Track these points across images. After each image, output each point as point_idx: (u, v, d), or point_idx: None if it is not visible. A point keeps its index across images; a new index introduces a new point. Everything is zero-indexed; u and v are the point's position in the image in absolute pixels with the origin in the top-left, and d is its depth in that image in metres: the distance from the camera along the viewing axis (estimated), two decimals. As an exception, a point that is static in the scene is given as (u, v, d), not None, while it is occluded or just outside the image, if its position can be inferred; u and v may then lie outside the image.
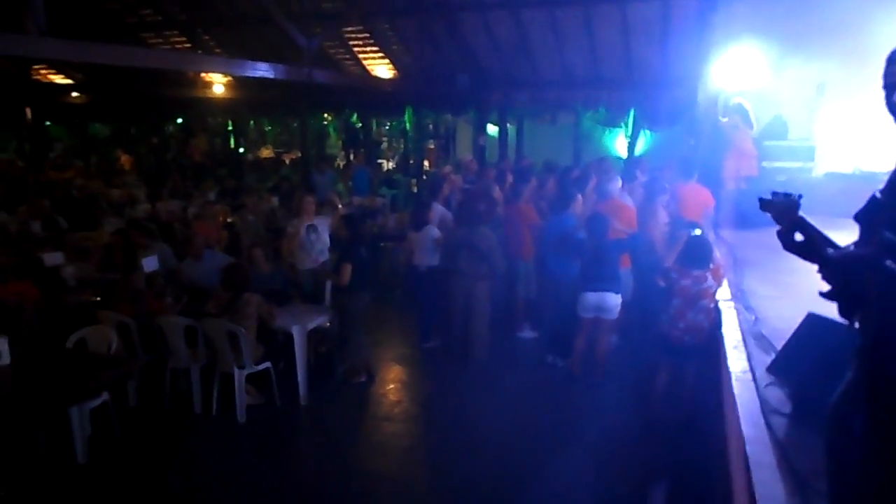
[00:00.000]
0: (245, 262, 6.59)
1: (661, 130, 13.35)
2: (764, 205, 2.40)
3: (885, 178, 2.02)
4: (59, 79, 18.03)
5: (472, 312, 6.64)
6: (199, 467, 5.02)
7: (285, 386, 5.93)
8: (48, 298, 6.27)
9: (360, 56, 15.16)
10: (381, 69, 15.31)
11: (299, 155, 16.32)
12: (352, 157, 16.83)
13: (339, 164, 16.65)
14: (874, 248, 1.79)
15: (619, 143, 14.44)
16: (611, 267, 6.05)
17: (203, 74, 15.21)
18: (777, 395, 3.21)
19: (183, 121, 20.50)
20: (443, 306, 7.02)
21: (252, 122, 20.31)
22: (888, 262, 1.38)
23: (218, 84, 15.68)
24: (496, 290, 6.95)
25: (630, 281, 6.75)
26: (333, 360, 6.59)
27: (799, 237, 2.30)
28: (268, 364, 5.79)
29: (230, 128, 19.94)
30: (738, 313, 4.55)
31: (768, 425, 2.87)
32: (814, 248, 2.21)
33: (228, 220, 9.28)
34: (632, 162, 11.22)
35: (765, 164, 8.25)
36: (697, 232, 5.35)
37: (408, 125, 16.59)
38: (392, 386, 6.53)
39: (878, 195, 2.05)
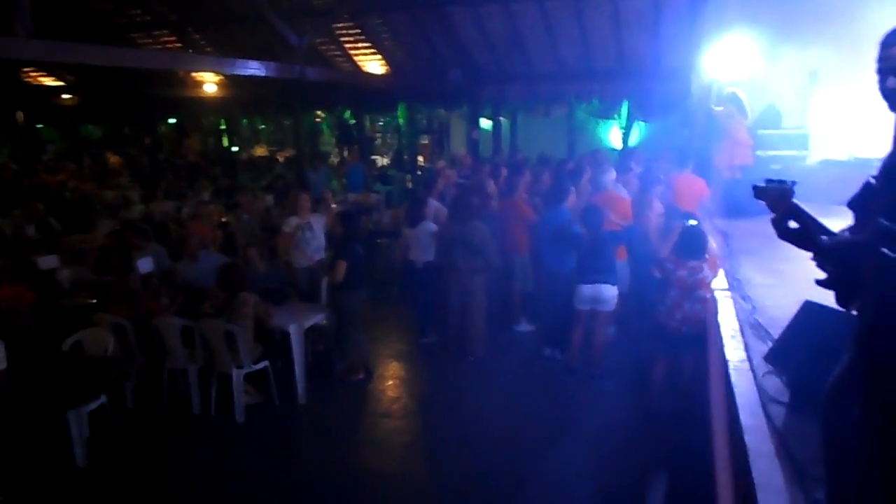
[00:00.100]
0: (241, 261, 6.57)
1: (655, 121, 13.34)
2: (758, 192, 2.38)
3: (879, 164, 2.02)
4: (49, 81, 17.94)
5: (469, 307, 6.64)
6: (199, 468, 5.01)
7: (283, 385, 5.92)
8: (43, 302, 6.25)
9: (352, 52, 15.10)
10: (373, 65, 15.26)
11: (293, 153, 16.29)
12: (346, 153, 16.79)
13: (333, 161, 16.61)
14: (869, 234, 1.78)
15: (613, 135, 14.43)
16: (606, 259, 6.04)
17: (194, 74, 15.14)
18: (775, 384, 3.21)
19: (176, 121, 20.42)
20: (439, 302, 7.01)
21: (245, 120, 20.25)
22: (884, 249, 1.38)
23: (210, 83, 15.61)
24: (493, 284, 6.95)
25: (627, 273, 6.75)
26: (331, 357, 6.58)
27: (793, 225, 2.28)
28: (265, 363, 5.78)
29: (223, 127, 19.88)
30: (735, 303, 4.55)
31: (766, 414, 2.88)
32: (808, 235, 2.20)
33: (223, 219, 9.25)
34: (626, 153, 11.21)
35: (759, 152, 8.25)
36: (693, 222, 5.35)
37: (401, 121, 16.55)
38: (390, 382, 6.52)
39: (871, 181, 2.05)
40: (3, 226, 9.00)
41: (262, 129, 21.56)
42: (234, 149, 19.56)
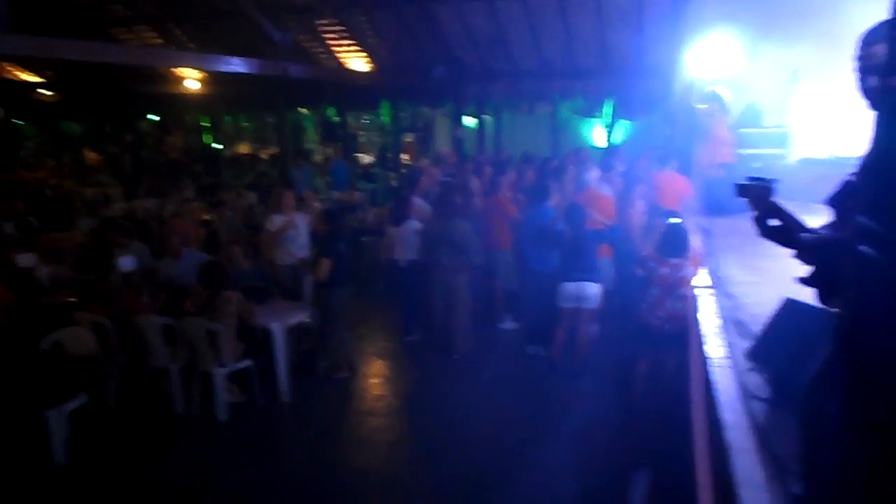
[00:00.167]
0: (224, 259, 6.52)
1: (638, 119, 13.40)
2: (740, 190, 2.40)
3: (858, 162, 2.03)
4: (28, 76, 17.70)
5: (453, 305, 6.64)
6: (181, 467, 4.98)
7: (267, 384, 5.89)
8: (22, 300, 6.16)
9: (336, 49, 15.03)
10: (358, 62, 15.20)
11: (277, 150, 16.19)
12: (329, 151, 16.72)
13: (317, 159, 16.53)
14: (848, 232, 1.80)
15: (596, 133, 14.48)
16: (589, 257, 6.07)
17: (176, 70, 15.00)
18: (756, 381, 3.23)
19: (158, 118, 20.23)
20: (424, 300, 7.01)
21: (228, 117, 20.10)
22: (862, 247, 1.39)
23: (192, 80, 15.48)
24: (476, 283, 6.96)
25: (611, 271, 6.78)
26: (315, 356, 6.55)
27: (774, 223, 2.30)
28: (248, 362, 5.74)
29: (206, 124, 19.72)
30: (717, 300, 4.58)
31: (748, 411, 2.90)
32: (789, 233, 2.22)
33: (206, 217, 9.18)
34: (609, 152, 11.25)
35: (740, 151, 8.31)
36: (675, 220, 5.38)
37: (385, 119, 16.50)
38: (374, 380, 6.51)
39: (850, 179, 2.07)
40: (-19, 223, 8.86)
41: (246, 126, 21.40)
42: (218, 146, 19.42)
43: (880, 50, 1.85)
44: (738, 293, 4.66)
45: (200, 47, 15.44)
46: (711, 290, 4.82)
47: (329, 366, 6.41)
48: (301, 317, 6.34)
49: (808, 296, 2.23)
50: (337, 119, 17.34)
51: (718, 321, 4.13)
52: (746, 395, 3.05)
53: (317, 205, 8.61)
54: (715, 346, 3.71)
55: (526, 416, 5.58)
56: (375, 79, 15.03)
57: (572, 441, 5.00)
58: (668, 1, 10.48)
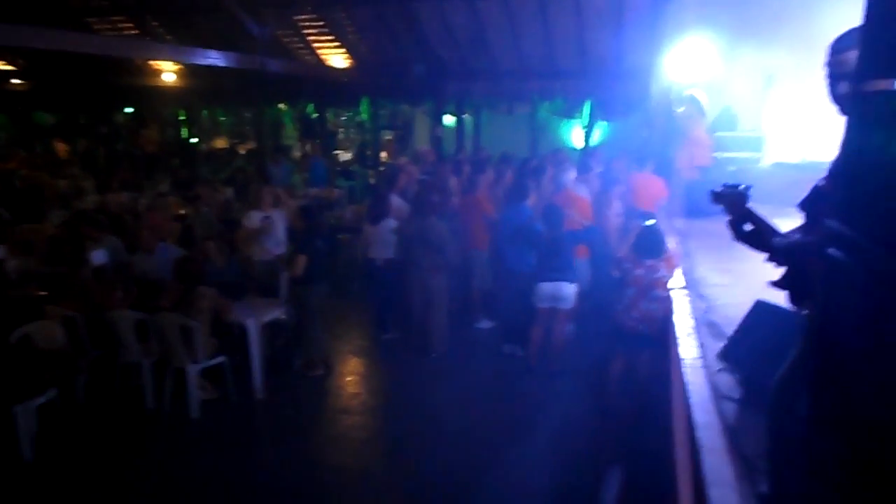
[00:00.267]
0: (199, 254, 6.45)
1: (617, 121, 13.50)
2: (715, 197, 2.45)
3: (828, 167, 2.07)
4: (-2, 65, 17.36)
5: (430, 304, 6.64)
6: (152, 464, 4.92)
7: (241, 380, 5.84)
8: (-10, 294, 6.06)
9: (315, 45, 14.94)
10: (337, 59, 15.13)
11: (254, 146, 16.05)
12: (308, 148, 16.61)
13: (295, 156, 16.42)
14: (818, 236, 1.83)
15: (575, 134, 14.56)
16: (566, 257, 6.10)
17: (153, 62, 14.79)
18: (727, 382, 3.28)
19: (133, 110, 19.94)
20: (400, 298, 7.00)
21: (205, 111, 19.88)
22: (831, 250, 1.42)
23: (168, 72, 15.27)
24: (453, 281, 6.96)
25: (587, 271, 6.83)
26: (290, 353, 6.51)
27: (748, 227, 2.35)
28: (222, 358, 5.69)
29: (183, 118, 19.49)
30: (691, 301, 4.64)
31: (719, 411, 2.93)
32: (762, 237, 2.26)
33: (181, 211, 9.07)
34: (587, 153, 11.33)
35: (715, 154, 8.42)
36: (650, 222, 5.43)
37: (364, 116, 16.44)
38: (350, 378, 6.49)
39: (821, 184, 2.11)
40: (-50, 215, 8.68)
41: (223, 120, 21.18)
42: (194, 140, 19.20)
43: (850, 57, 1.89)
44: (712, 295, 4.72)
45: (178, 40, 15.25)
46: (685, 292, 4.88)
47: (304, 363, 6.38)
48: (276, 313, 6.30)
49: (780, 298, 2.27)
50: (315, 115, 17.23)
51: (691, 322, 4.18)
52: (718, 395, 3.10)
53: (293, 202, 8.54)
54: (688, 346, 3.75)
55: (501, 415, 5.60)
56: (355, 75, 14.98)
57: (546, 440, 5.03)
58: (647, 4, 10.57)
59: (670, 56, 8.42)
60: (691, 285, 5.04)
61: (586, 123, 13.89)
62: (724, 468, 2.43)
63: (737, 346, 3.44)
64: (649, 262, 5.10)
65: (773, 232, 2.30)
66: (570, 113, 14.08)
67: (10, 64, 17.34)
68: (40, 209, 8.79)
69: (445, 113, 15.27)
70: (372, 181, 14.26)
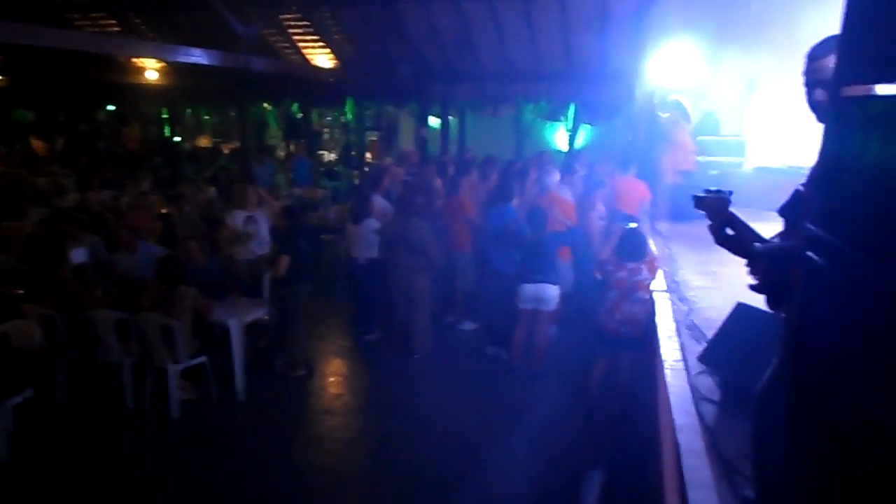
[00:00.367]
0: (181, 254, 6.40)
1: (601, 124, 13.57)
2: (697, 202, 2.47)
3: (808, 172, 2.10)
4: (-24, 61, 17.08)
5: (413, 305, 6.63)
6: (131, 464, 4.87)
7: (222, 381, 5.80)
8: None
9: (300, 45, 14.88)
10: (322, 59, 15.07)
11: (238, 145, 15.97)
12: (292, 147, 16.53)
13: (279, 155, 16.34)
14: (797, 240, 1.85)
15: (559, 137, 14.62)
16: (548, 259, 6.12)
17: (135, 59, 14.65)
18: (707, 384, 3.30)
19: (115, 108, 19.74)
20: (383, 299, 6.98)
21: (189, 110, 19.73)
22: (810, 254, 1.43)
23: (151, 70, 15.14)
24: (436, 283, 6.96)
25: (570, 273, 6.85)
26: (272, 353, 6.48)
27: (730, 232, 2.37)
28: (203, 358, 5.64)
29: (166, 116, 19.33)
30: (673, 304, 4.67)
31: (698, 413, 2.96)
32: (743, 242, 2.28)
33: (164, 210, 9.00)
34: (571, 155, 11.38)
35: (699, 158, 8.49)
36: (633, 225, 5.46)
37: (349, 116, 16.40)
38: (332, 379, 6.46)
39: (800, 189, 2.13)
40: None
41: (207, 119, 21.04)
42: (177, 139, 19.04)
43: (826, 64, 1.92)
44: (694, 297, 4.76)
45: (161, 38, 15.12)
46: (667, 295, 4.91)
47: (286, 363, 6.34)
48: (259, 314, 6.26)
49: (760, 301, 2.29)
50: (300, 115, 17.17)
51: (673, 325, 4.21)
52: (697, 397, 3.12)
53: (276, 202, 8.49)
54: (669, 349, 3.77)
55: (483, 416, 5.60)
56: (340, 76, 14.93)
57: (529, 441, 5.04)
58: (631, 8, 10.63)
59: (654, 60, 8.47)
60: (673, 288, 5.08)
61: (570, 126, 13.96)
62: (702, 469, 2.45)
63: (717, 349, 3.47)
64: (631, 265, 5.13)
65: (754, 236, 2.32)
66: (555, 115, 14.15)
67: (-12, 60, 17.09)
68: (19, 207, 8.67)
69: (430, 114, 15.28)
70: (356, 181, 14.22)
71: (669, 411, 2.97)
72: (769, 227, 2.36)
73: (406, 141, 16.66)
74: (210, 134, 21.07)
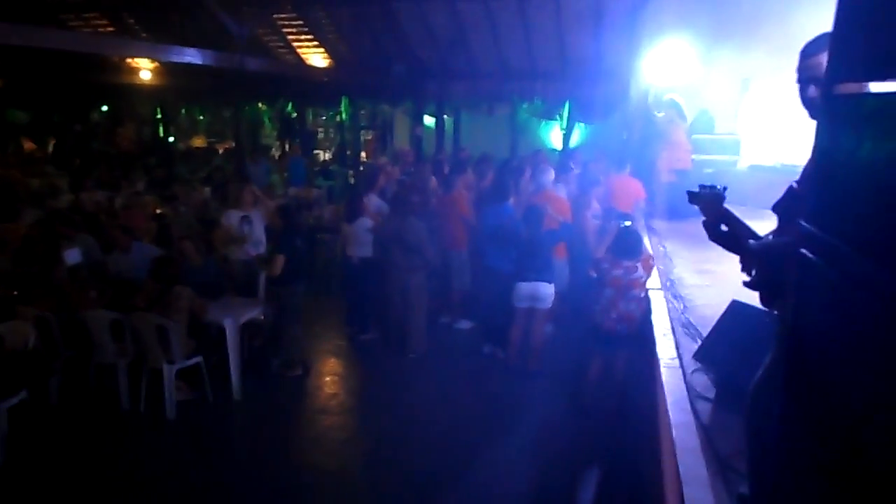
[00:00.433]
0: (176, 254, 6.39)
1: (595, 123, 13.59)
2: (691, 197, 2.47)
3: (801, 170, 2.10)
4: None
5: (409, 304, 6.63)
6: (127, 465, 4.86)
7: (218, 381, 5.79)
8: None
9: (295, 44, 14.86)
10: (317, 58, 15.06)
11: (233, 145, 15.94)
12: (287, 147, 16.51)
13: (274, 155, 16.32)
14: (791, 237, 1.85)
15: (554, 135, 14.63)
16: (543, 257, 6.12)
17: (129, 60, 14.61)
18: (702, 381, 3.31)
19: (109, 108, 19.69)
20: (379, 298, 6.98)
21: (183, 110, 19.69)
22: (803, 251, 1.43)
23: (145, 70, 15.11)
24: (431, 282, 6.96)
25: (565, 272, 6.85)
26: (268, 353, 6.47)
27: (724, 228, 2.37)
28: (198, 359, 5.63)
29: (160, 116, 19.29)
30: (668, 302, 4.68)
31: (694, 410, 2.96)
32: (737, 239, 2.29)
33: (158, 210, 8.97)
34: (566, 154, 11.39)
35: (694, 156, 8.51)
36: (627, 223, 5.47)
37: (344, 115, 16.39)
38: (328, 378, 6.46)
39: (794, 186, 2.13)
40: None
41: (202, 119, 21.01)
42: (171, 139, 19.00)
43: (819, 61, 1.92)
44: (689, 295, 4.78)
45: (155, 38, 15.08)
46: (662, 292, 4.93)
47: (282, 363, 6.34)
48: (254, 313, 6.25)
49: (755, 298, 2.30)
50: (295, 115, 17.15)
51: (668, 323, 4.22)
52: (693, 394, 3.12)
53: (271, 202, 8.48)
54: (664, 347, 3.78)
55: (479, 415, 5.60)
56: (334, 75, 14.92)
57: (525, 440, 5.05)
58: (626, 6, 10.64)
59: (648, 58, 8.49)
60: (668, 286, 5.09)
61: (565, 125, 13.97)
62: (698, 466, 2.46)
63: (712, 346, 3.48)
64: (627, 263, 5.14)
65: (748, 233, 2.33)
66: (550, 114, 14.15)
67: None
68: (13, 208, 8.63)
69: (425, 113, 15.28)
70: (351, 181, 14.22)
71: (666, 409, 2.98)
72: (764, 225, 2.37)
73: (401, 140, 16.66)
74: (205, 134, 21.04)
